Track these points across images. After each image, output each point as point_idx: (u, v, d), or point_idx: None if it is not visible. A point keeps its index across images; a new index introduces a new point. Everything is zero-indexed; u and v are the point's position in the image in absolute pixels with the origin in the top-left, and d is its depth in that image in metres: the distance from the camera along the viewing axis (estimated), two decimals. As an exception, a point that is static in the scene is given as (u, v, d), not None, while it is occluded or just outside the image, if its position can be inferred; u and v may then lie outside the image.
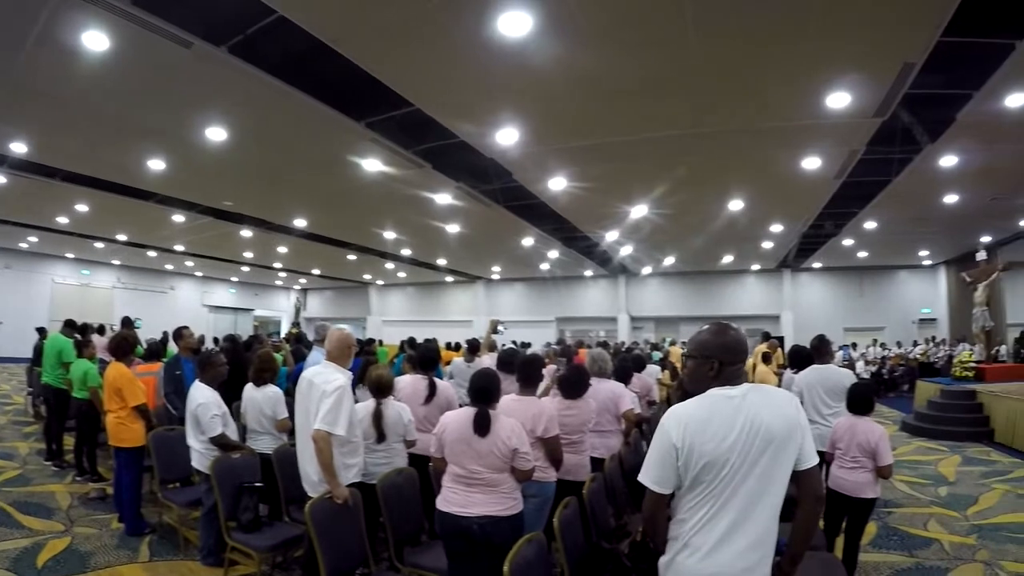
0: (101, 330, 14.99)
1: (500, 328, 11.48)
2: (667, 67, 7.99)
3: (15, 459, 9.44)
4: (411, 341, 12.33)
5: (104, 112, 9.82)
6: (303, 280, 36.37)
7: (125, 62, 7.99)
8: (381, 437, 5.20)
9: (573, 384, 5.60)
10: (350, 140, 10.75)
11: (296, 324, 33.79)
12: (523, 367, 5.20)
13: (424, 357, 6.48)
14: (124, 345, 6.98)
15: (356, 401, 5.13)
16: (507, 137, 10.42)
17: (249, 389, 6.13)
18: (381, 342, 23.29)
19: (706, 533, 2.58)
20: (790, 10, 6.58)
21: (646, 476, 2.68)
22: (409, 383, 6.27)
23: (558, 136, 10.54)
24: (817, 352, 7.00)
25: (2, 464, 9.10)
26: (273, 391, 6.07)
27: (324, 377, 4.60)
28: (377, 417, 5.18)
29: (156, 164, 12.53)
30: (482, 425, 4.10)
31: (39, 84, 8.82)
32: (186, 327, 8.58)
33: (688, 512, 2.64)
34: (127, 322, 12.94)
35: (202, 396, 5.65)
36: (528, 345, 21.42)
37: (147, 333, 19.68)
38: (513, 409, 4.68)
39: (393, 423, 5.26)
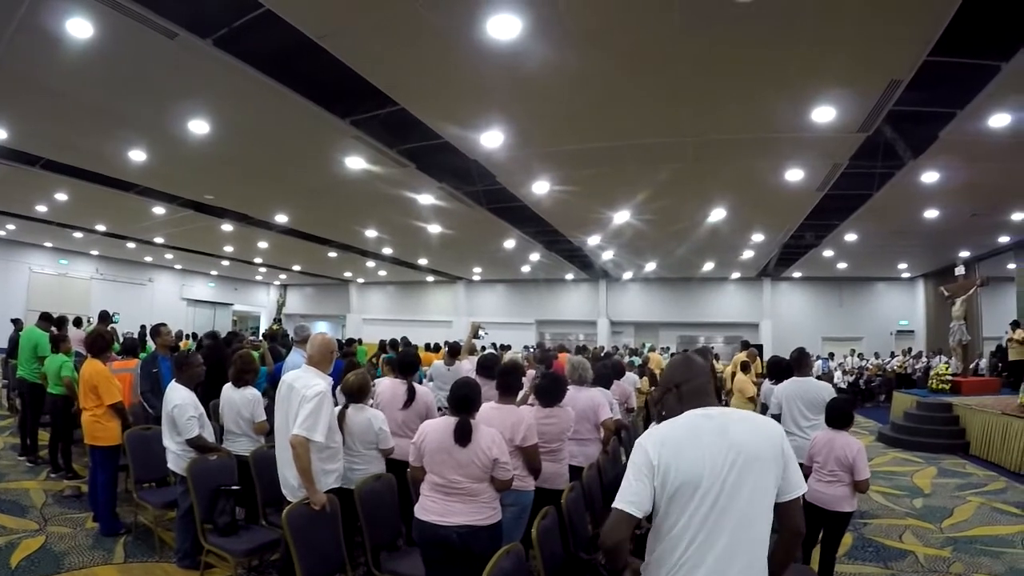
0: (78, 322, 14.89)
1: (481, 332, 11.47)
2: (654, 74, 8.00)
3: (-12, 454, 9.33)
4: (392, 342, 12.31)
5: (87, 101, 9.67)
6: (283, 276, 36.07)
7: (109, 51, 7.87)
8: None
9: (550, 392, 5.59)
10: (334, 137, 10.68)
11: (278, 320, 33.59)
12: (503, 375, 5.20)
13: (403, 362, 6.44)
14: (100, 342, 6.91)
15: (336, 405, 5.08)
16: (492, 140, 10.37)
17: (228, 390, 6.08)
18: (360, 341, 23.27)
19: (696, 559, 2.48)
20: (780, 23, 6.58)
21: (622, 499, 2.57)
22: (388, 387, 6.23)
23: (543, 140, 10.53)
24: (797, 365, 7.01)
25: (-26, 460, 8.99)
26: (252, 393, 6.02)
27: (304, 382, 4.56)
28: (340, 418, 5.07)
29: (137, 155, 12.32)
30: (463, 435, 4.07)
31: (21, 70, 8.67)
32: (163, 324, 8.50)
33: (674, 539, 2.53)
34: (104, 316, 12.81)
35: (179, 397, 5.59)
36: (508, 348, 21.47)
37: (125, 326, 19.62)
38: (492, 417, 4.67)
39: (361, 431, 5.17)
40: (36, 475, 8.41)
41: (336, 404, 5.10)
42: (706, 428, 2.57)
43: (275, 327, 30.72)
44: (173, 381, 5.82)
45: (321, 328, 40.18)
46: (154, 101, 9.64)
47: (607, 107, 9.10)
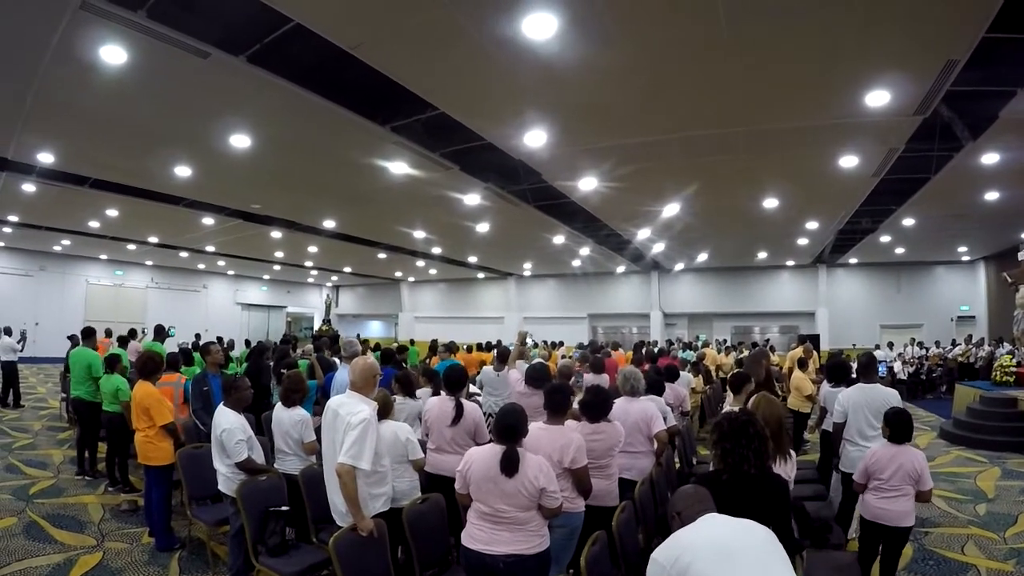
0: (132, 334, 15.13)
1: (529, 340, 11.41)
2: (699, 66, 7.80)
3: (49, 468, 9.54)
4: (450, 345, 12.19)
5: (126, 122, 9.90)
6: (334, 277, 36.50)
7: (144, 73, 8.03)
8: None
9: (595, 408, 5.41)
10: (376, 144, 10.70)
11: (327, 321, 33.88)
12: (551, 394, 5.05)
13: (450, 379, 6.34)
14: (150, 365, 6.98)
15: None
16: (535, 139, 10.28)
17: (278, 410, 6.10)
18: (412, 341, 23.36)
19: None
20: (830, 7, 6.36)
21: None
22: (436, 405, 6.15)
23: (588, 136, 10.37)
24: (865, 370, 6.72)
25: (36, 474, 9.18)
26: (300, 414, 6.00)
27: (349, 408, 4.48)
28: None
29: (182, 171, 12.64)
30: (509, 465, 3.98)
31: (59, 97, 8.92)
32: (213, 343, 8.62)
33: None
34: (160, 331, 13.02)
35: (227, 422, 5.58)
36: (560, 344, 21.32)
37: (181, 334, 19.97)
38: (540, 438, 4.58)
39: (389, 446, 5.07)
40: (94, 489, 8.54)
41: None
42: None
43: (324, 328, 31.15)
44: (221, 405, 5.82)
45: (374, 328, 40.86)
46: (193, 119, 9.80)
47: (652, 101, 8.93)
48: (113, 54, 7.43)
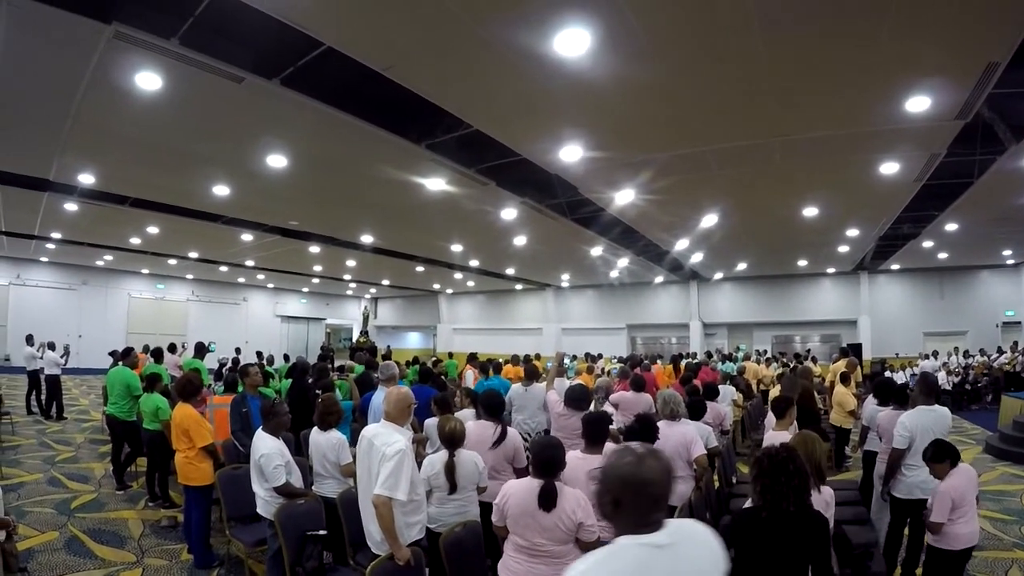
0: (172, 348, 15.37)
1: (567, 361, 11.33)
2: (734, 79, 7.72)
3: (90, 481, 9.63)
4: (494, 364, 12.13)
5: (164, 144, 10.07)
6: (373, 289, 36.73)
7: (179, 98, 8.16)
8: (453, 488, 5.10)
9: (639, 436, 5.31)
10: (411, 162, 10.75)
11: (364, 332, 34.06)
12: (589, 424, 5.01)
13: (490, 404, 6.30)
14: (189, 387, 7.02)
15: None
16: (570, 154, 10.24)
17: (314, 433, 6.09)
18: (451, 354, 23.39)
19: None
20: (864, 16, 6.26)
21: None
22: (476, 429, 6.09)
23: (624, 150, 10.29)
24: (930, 391, 6.36)
25: (78, 488, 9.28)
26: (337, 437, 5.99)
27: (384, 439, 4.47)
28: (450, 469, 5.08)
29: (220, 190, 12.86)
30: (548, 500, 3.94)
31: (97, 122, 9.12)
32: (252, 365, 8.73)
33: None
34: (201, 348, 13.18)
35: (265, 447, 5.59)
36: (599, 356, 21.19)
37: (221, 349, 20.25)
38: (578, 467, 4.53)
39: (468, 473, 5.17)
40: (134, 504, 8.61)
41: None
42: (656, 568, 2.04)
43: (362, 339, 31.33)
44: (260, 430, 5.83)
45: (412, 339, 41.03)
46: (230, 140, 9.96)
47: (688, 114, 8.86)
48: (148, 80, 7.57)
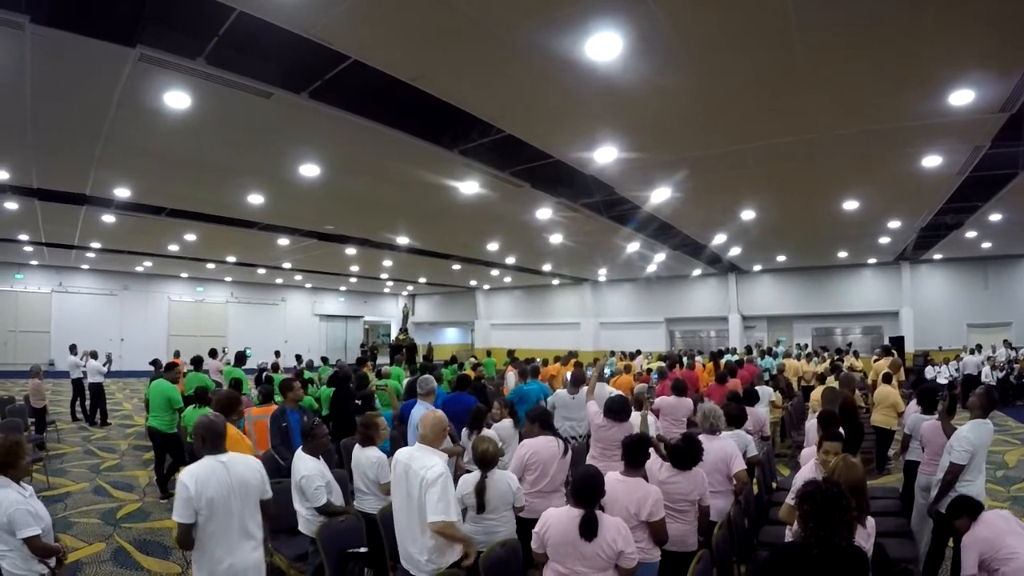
0: (213, 354, 15.56)
1: (607, 370, 11.26)
2: (772, 77, 7.56)
3: (135, 490, 9.75)
4: (533, 368, 12.08)
5: (196, 158, 10.21)
6: (410, 287, 36.96)
7: (209, 115, 8.25)
8: (481, 507, 5.06)
9: (684, 457, 5.25)
10: (445, 167, 10.74)
11: (404, 330, 34.15)
12: (629, 447, 4.91)
13: (544, 419, 6.25)
14: (231, 404, 7.02)
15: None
16: (605, 155, 10.15)
17: (356, 450, 6.11)
18: (489, 352, 23.35)
19: None
20: (906, 11, 6.07)
21: None
22: (543, 446, 6.00)
23: (659, 150, 10.15)
24: (991, 407, 6.12)
25: (123, 496, 9.40)
26: (377, 455, 5.97)
27: (421, 463, 4.44)
28: (480, 490, 5.05)
29: (255, 199, 12.99)
30: (589, 530, 3.92)
31: (128, 139, 9.26)
32: (294, 379, 8.64)
33: None
34: (240, 357, 13.30)
35: (305, 468, 5.60)
36: (638, 352, 21.04)
37: (260, 351, 20.43)
38: (617, 490, 4.52)
39: (501, 494, 5.12)
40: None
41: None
42: None
43: (401, 337, 31.45)
44: (300, 450, 5.84)
45: (450, 335, 41.13)
46: (262, 152, 10.03)
47: (724, 114, 8.72)
48: (177, 99, 7.66)
